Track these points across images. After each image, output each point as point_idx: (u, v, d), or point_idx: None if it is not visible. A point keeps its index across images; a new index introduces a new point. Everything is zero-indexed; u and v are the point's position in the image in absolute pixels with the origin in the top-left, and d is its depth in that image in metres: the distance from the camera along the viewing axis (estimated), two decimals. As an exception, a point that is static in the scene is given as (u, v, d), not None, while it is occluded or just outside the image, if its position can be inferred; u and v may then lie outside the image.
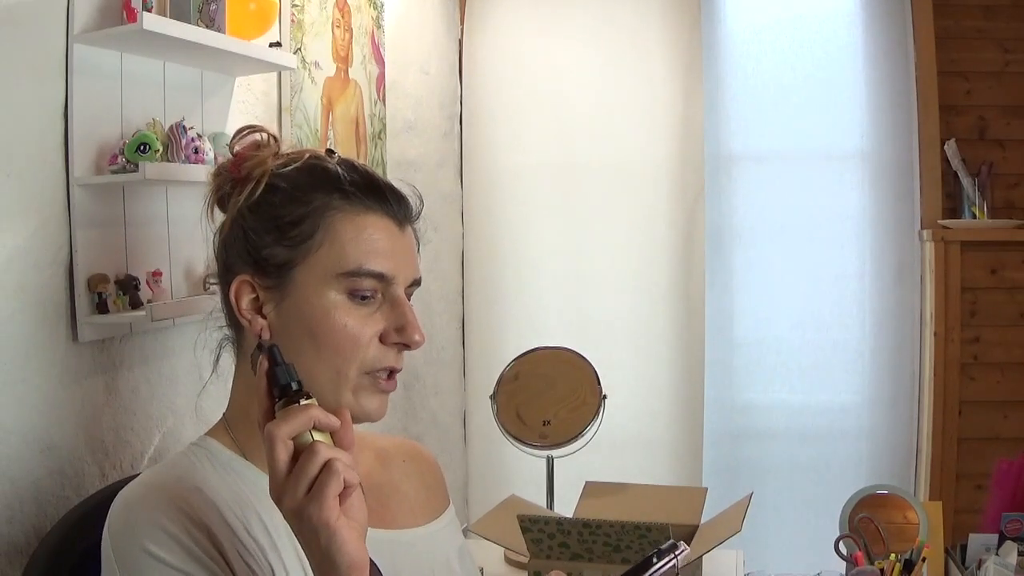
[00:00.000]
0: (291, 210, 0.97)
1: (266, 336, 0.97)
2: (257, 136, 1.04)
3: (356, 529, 0.82)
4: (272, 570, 0.93)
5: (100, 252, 1.28)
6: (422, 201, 1.06)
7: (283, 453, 0.81)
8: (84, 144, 1.25)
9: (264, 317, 0.98)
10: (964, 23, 2.81)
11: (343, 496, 0.81)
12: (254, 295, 0.98)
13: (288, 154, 1.02)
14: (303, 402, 0.83)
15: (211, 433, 1.03)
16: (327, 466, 0.80)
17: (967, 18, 2.82)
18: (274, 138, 1.04)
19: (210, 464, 0.99)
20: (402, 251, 1.00)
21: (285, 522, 0.89)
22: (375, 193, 1.00)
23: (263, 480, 0.91)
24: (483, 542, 1.80)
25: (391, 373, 0.99)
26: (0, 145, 1.13)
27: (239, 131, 1.06)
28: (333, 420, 0.84)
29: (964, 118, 2.84)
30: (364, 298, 0.97)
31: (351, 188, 0.98)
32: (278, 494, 0.81)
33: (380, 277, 0.97)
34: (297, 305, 0.97)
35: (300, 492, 0.80)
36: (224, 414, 1.04)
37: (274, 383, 0.84)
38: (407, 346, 0.98)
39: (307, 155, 1.02)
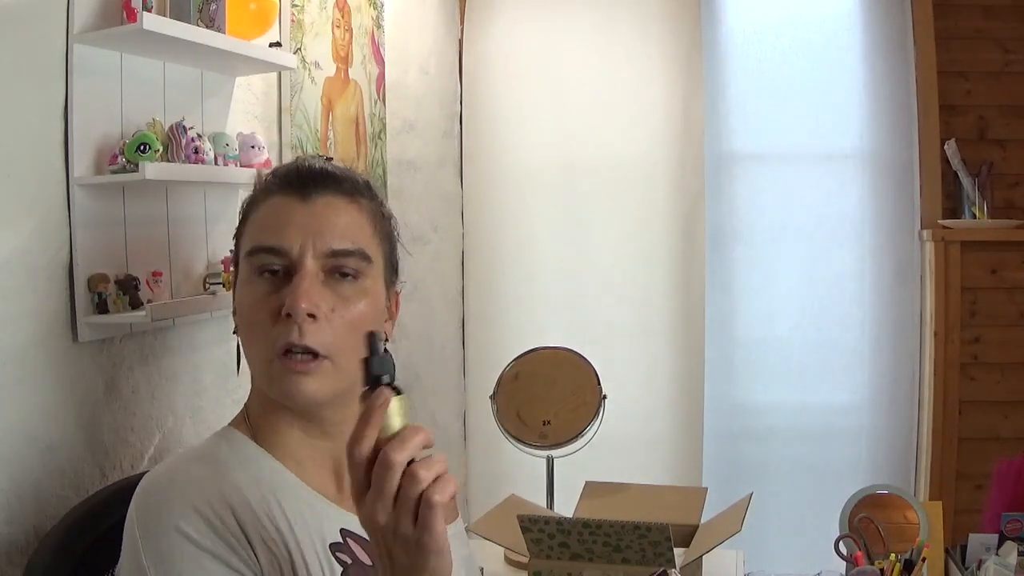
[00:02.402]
0: (240, 214, 1.06)
1: (238, 332, 1.04)
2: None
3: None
4: (291, 557, 0.95)
5: (100, 252, 1.28)
6: (365, 181, 1.06)
7: (394, 480, 0.78)
8: (84, 144, 1.25)
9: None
10: (964, 23, 2.81)
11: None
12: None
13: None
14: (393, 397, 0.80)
15: (233, 424, 1.05)
16: (431, 504, 0.78)
17: (967, 18, 2.82)
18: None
19: (232, 453, 1.00)
20: (302, 222, 0.98)
21: (303, 510, 0.96)
22: (281, 179, 1.02)
23: (278, 470, 0.99)
24: (483, 542, 1.80)
25: (305, 352, 0.95)
26: (0, 145, 1.13)
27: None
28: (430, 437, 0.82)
29: (964, 118, 2.84)
30: (272, 272, 0.98)
31: (266, 182, 1.04)
32: (375, 516, 0.79)
33: (273, 251, 0.98)
34: (235, 296, 1.04)
35: (407, 520, 0.78)
36: (244, 406, 1.06)
37: (367, 371, 0.81)
38: (292, 317, 0.94)
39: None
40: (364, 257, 1.00)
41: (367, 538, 1.00)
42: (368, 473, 0.78)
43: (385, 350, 0.82)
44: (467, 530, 1.84)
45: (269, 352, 0.96)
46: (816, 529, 2.36)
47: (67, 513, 1.14)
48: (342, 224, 1.00)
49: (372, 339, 0.82)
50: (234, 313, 1.05)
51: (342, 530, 1.01)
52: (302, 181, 1.01)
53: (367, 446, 0.78)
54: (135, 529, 0.92)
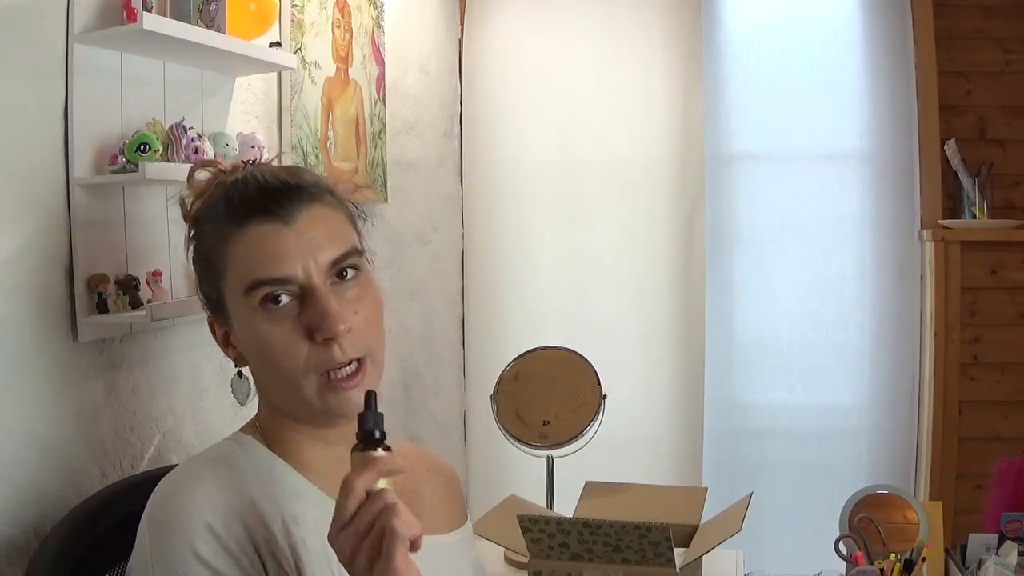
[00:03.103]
0: (203, 250, 1.02)
1: (242, 364, 1.04)
2: (204, 174, 1.06)
3: None
4: (301, 571, 0.94)
5: (100, 252, 1.28)
6: (315, 175, 1.04)
7: (353, 502, 0.82)
8: (84, 144, 1.25)
9: (235, 347, 1.03)
10: (964, 23, 2.81)
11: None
12: (224, 330, 1.04)
13: (201, 186, 1.05)
14: (379, 451, 0.84)
15: (245, 430, 1.05)
16: (391, 532, 0.80)
17: (967, 18, 2.81)
18: (220, 171, 1.05)
19: (247, 459, 1.00)
20: (294, 246, 0.96)
21: (318, 519, 0.95)
22: (247, 205, 0.97)
23: (295, 478, 0.99)
24: (483, 542, 1.80)
25: (357, 369, 0.97)
26: (0, 145, 1.13)
27: (190, 171, 1.08)
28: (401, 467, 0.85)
29: (964, 118, 2.83)
30: (277, 302, 0.95)
31: (230, 211, 0.98)
32: (341, 545, 0.83)
33: (277, 282, 0.95)
34: (238, 334, 1.01)
35: (366, 551, 0.81)
36: (257, 415, 1.06)
37: (361, 425, 0.86)
38: (332, 339, 0.95)
39: (213, 185, 1.03)
40: (358, 252, 1.02)
41: None
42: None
43: (378, 408, 0.87)
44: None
45: (308, 373, 0.96)
46: (816, 529, 2.35)
47: (67, 514, 1.13)
48: (329, 232, 0.99)
49: (371, 398, 0.87)
50: (233, 354, 1.04)
51: None
52: (273, 201, 0.97)
53: (355, 501, 0.82)
54: (147, 543, 0.91)
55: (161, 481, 0.96)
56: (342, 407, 0.97)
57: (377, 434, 0.85)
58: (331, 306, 0.95)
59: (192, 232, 1.04)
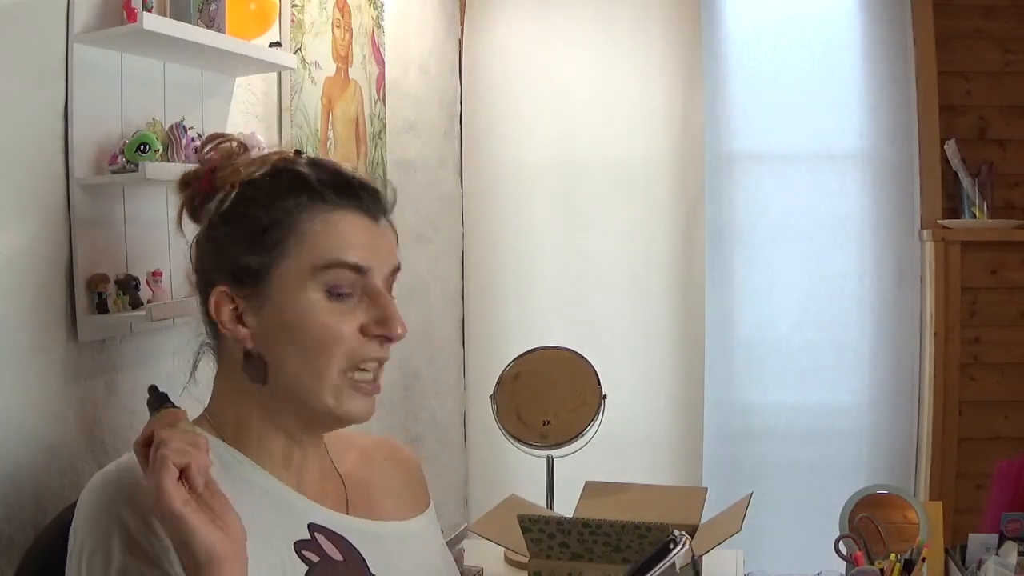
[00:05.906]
0: (261, 216, 0.97)
1: (250, 345, 0.98)
2: (229, 145, 1.06)
3: (212, 519, 0.82)
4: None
5: (100, 252, 1.28)
6: (395, 192, 1.06)
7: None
8: (84, 144, 1.25)
9: (245, 326, 0.98)
10: (964, 23, 2.81)
11: (189, 484, 0.83)
12: (233, 305, 0.98)
13: (256, 159, 1.03)
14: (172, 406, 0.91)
15: (195, 422, 1.00)
16: (157, 458, 0.83)
17: (967, 18, 2.82)
18: (243, 146, 1.06)
19: None
20: (378, 243, 1.01)
21: (264, 508, 0.96)
22: (346, 190, 1.00)
23: (247, 464, 0.99)
24: (483, 542, 1.80)
25: (375, 375, 1.00)
26: (0, 145, 1.13)
27: (210, 138, 1.07)
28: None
29: (964, 118, 2.84)
30: (341, 295, 0.97)
31: (320, 188, 0.98)
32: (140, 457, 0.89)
33: (356, 268, 0.97)
34: (276, 310, 0.97)
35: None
36: (205, 411, 1.04)
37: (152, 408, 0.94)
38: (388, 339, 0.99)
39: (274, 158, 1.01)
40: (399, 268, 1.04)
41: (336, 532, 1.00)
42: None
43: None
44: (467, 530, 1.84)
45: (342, 368, 0.97)
46: (816, 529, 2.35)
47: (63, 511, 1.13)
48: (392, 246, 1.04)
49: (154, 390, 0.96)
50: (243, 334, 0.97)
51: (310, 525, 0.99)
52: (371, 197, 1.01)
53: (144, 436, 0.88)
54: (71, 542, 0.91)
55: (87, 485, 0.96)
56: (357, 412, 0.99)
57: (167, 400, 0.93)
58: (396, 309, 0.99)
59: (233, 194, 0.98)
